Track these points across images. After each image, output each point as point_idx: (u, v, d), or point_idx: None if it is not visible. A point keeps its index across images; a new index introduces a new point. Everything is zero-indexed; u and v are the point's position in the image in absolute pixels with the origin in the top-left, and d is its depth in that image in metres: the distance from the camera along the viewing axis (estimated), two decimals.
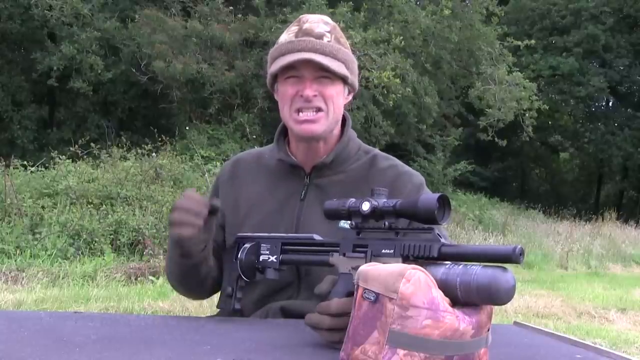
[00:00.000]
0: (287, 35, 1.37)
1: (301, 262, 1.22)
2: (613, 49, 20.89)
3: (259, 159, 1.50)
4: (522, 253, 0.84)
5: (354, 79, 1.40)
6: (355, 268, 0.99)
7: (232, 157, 1.59)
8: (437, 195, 0.95)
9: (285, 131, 1.47)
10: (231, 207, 1.45)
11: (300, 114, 1.34)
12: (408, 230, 1.00)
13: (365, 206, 1.02)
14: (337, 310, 1.02)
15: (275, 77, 1.38)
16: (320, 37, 1.34)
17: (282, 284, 1.37)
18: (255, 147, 1.70)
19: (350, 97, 1.45)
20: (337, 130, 1.42)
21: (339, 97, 1.37)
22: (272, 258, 1.19)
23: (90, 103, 13.33)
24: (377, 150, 1.48)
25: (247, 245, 1.22)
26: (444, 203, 0.95)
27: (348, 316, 0.98)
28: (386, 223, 1.01)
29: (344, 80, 1.37)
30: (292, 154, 1.43)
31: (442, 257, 0.92)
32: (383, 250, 1.00)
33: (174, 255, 1.34)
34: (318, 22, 1.37)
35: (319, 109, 1.34)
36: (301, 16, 1.41)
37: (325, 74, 1.33)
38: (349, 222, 1.08)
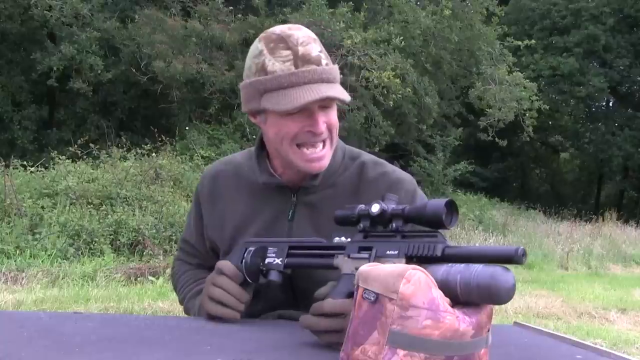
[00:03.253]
0: (280, 65, 1.20)
1: (306, 265, 1.21)
2: (613, 49, 20.89)
3: (238, 174, 1.40)
4: (524, 254, 0.85)
5: None
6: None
7: (210, 169, 1.47)
8: (444, 200, 0.96)
9: (264, 143, 1.36)
10: (217, 229, 1.40)
11: (305, 149, 1.24)
12: (413, 233, 1.01)
13: (375, 208, 1.03)
14: (331, 310, 1.02)
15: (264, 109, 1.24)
16: (319, 62, 1.21)
17: (279, 303, 1.36)
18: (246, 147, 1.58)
19: None
20: None
21: (337, 121, 1.30)
22: (278, 260, 1.19)
23: (90, 103, 13.32)
24: (364, 155, 1.40)
25: (252, 248, 1.21)
26: (451, 208, 0.96)
27: (343, 317, 0.98)
28: (393, 225, 1.02)
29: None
30: (275, 171, 1.35)
31: (446, 257, 0.93)
32: (387, 252, 1.00)
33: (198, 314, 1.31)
34: (309, 42, 1.22)
35: (324, 142, 1.26)
36: (282, 34, 1.22)
37: (330, 103, 1.25)
38: (342, 237, 1.10)
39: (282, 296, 1.34)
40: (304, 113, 1.22)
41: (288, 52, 1.20)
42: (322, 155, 1.26)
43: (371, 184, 1.34)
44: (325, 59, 1.24)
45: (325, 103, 1.23)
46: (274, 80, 1.20)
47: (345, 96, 1.24)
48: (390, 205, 1.03)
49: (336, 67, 1.28)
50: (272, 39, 1.23)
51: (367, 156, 1.41)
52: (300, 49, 1.21)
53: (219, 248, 1.39)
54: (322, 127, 1.23)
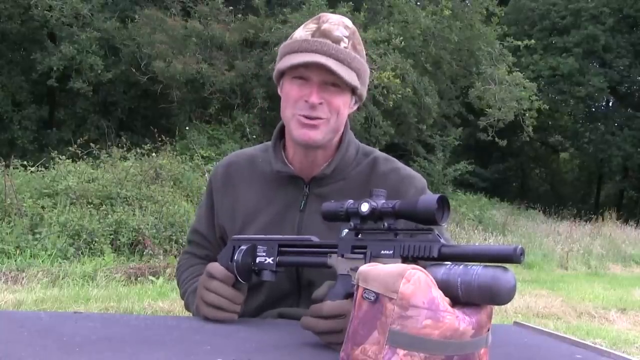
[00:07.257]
0: (303, 32, 1.29)
1: (298, 264, 1.20)
2: (613, 49, 20.88)
3: (252, 164, 1.43)
4: (522, 253, 0.84)
5: (363, 90, 1.33)
6: (354, 269, 0.99)
7: (224, 159, 1.51)
8: (436, 196, 0.94)
9: (282, 134, 1.40)
10: (228, 216, 1.41)
11: (303, 117, 1.28)
12: (407, 231, 0.99)
13: (364, 207, 1.01)
14: (330, 313, 1.01)
15: (283, 73, 1.32)
16: (337, 41, 1.27)
17: (283, 294, 1.35)
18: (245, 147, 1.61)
19: (356, 107, 1.37)
20: (336, 137, 1.35)
21: (344, 108, 1.30)
22: (269, 260, 1.17)
23: (90, 103, 13.32)
24: (376, 152, 1.42)
25: (244, 247, 1.19)
26: (443, 204, 0.94)
27: (342, 318, 0.98)
28: (385, 224, 1.00)
29: (352, 90, 1.30)
30: (289, 161, 1.37)
31: (442, 257, 0.92)
32: (382, 251, 0.99)
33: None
34: (338, 25, 1.29)
35: (322, 120, 1.28)
36: (322, 14, 1.33)
37: (335, 81, 1.26)
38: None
39: (287, 286, 1.34)
40: (308, 83, 1.27)
41: (315, 26, 1.30)
42: (316, 125, 1.28)
43: (382, 177, 1.35)
44: (346, 43, 1.28)
45: (328, 79, 1.26)
46: (290, 44, 1.30)
47: (350, 79, 1.26)
48: (380, 202, 1.01)
49: (357, 57, 1.30)
50: (314, 17, 1.34)
51: (379, 153, 1.43)
52: (325, 26, 1.29)
53: (229, 236, 1.38)
54: (317, 99, 1.25)
